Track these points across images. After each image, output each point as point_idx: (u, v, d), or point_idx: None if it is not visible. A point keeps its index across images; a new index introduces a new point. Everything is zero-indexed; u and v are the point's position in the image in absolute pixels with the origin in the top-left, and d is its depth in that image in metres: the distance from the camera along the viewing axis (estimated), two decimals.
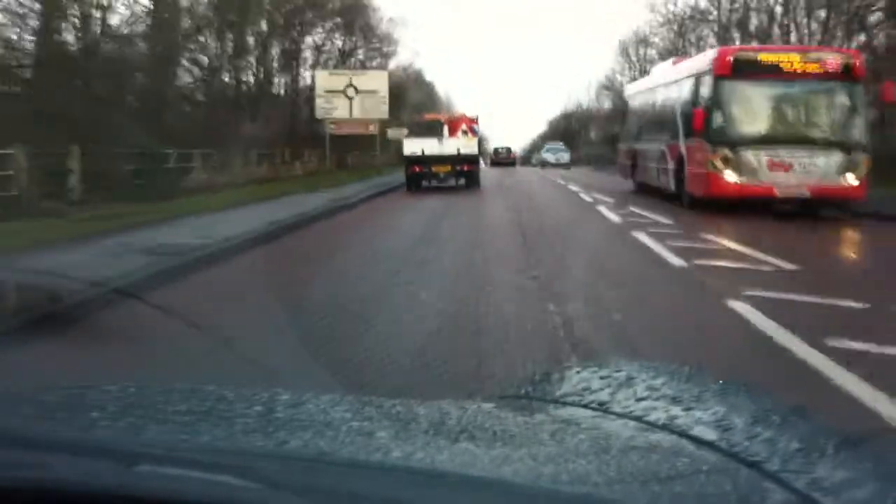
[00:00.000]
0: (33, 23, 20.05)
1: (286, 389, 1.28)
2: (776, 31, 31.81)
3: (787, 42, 29.03)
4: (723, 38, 33.79)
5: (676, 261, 8.28)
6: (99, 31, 22.43)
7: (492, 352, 4.70)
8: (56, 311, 5.34)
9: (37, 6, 19.90)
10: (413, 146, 21.95)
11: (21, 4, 19.57)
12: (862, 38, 26.18)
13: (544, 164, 49.31)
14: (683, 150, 15.01)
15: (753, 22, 33.71)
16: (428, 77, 62.71)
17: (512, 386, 1.66)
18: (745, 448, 1.04)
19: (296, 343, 4.47)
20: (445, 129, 22.62)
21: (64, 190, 15.24)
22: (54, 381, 2.08)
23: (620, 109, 54.73)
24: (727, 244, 9.83)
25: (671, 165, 15.86)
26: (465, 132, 22.54)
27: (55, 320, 5.18)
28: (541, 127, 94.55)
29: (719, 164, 13.27)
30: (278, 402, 1.22)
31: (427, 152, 21.57)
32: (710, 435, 1.10)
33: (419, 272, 7.96)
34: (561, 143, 55.89)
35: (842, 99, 13.47)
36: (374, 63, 43.28)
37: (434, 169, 21.67)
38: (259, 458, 0.93)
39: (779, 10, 31.99)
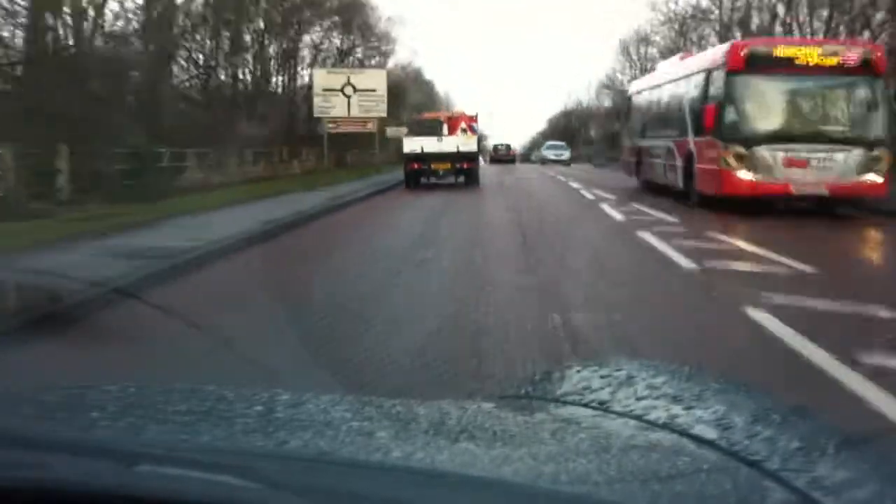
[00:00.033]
0: (23, 20, 19.75)
1: (286, 389, 1.28)
2: (778, 29, 31.79)
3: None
4: (724, 37, 33.77)
5: (686, 262, 7.96)
6: (90, 29, 22.20)
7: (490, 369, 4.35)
8: (56, 310, 5.33)
9: (24, 2, 19.59)
10: (412, 144, 22.11)
11: (11, 1, 19.30)
12: (866, 36, 26.13)
13: (544, 161, 49.59)
14: (693, 146, 14.70)
15: (755, 21, 33.68)
16: (427, 76, 62.85)
17: (512, 386, 1.66)
18: (746, 447, 1.04)
19: (292, 347, 4.31)
20: (445, 128, 22.72)
21: (52, 190, 14.99)
22: (54, 381, 2.08)
23: (621, 108, 54.81)
24: (739, 244, 9.52)
25: (679, 163, 15.52)
26: (464, 130, 22.63)
27: (55, 320, 5.18)
28: (541, 125, 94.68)
29: (732, 161, 12.89)
30: (278, 402, 1.22)
31: (426, 150, 21.71)
32: (710, 434, 1.10)
33: (414, 279, 7.57)
34: (562, 142, 56.28)
35: (861, 93, 13.06)
36: (373, 62, 43.30)
37: (433, 166, 21.81)
38: (259, 458, 0.93)
39: (781, 9, 31.94)
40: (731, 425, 1.14)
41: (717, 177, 13.21)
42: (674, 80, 17.15)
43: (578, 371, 1.47)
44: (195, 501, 0.83)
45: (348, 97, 31.19)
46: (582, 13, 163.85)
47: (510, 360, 4.52)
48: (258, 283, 7.18)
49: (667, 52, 39.81)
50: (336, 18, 40.72)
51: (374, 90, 31.65)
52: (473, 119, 23.61)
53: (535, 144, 76.53)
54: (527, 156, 67.39)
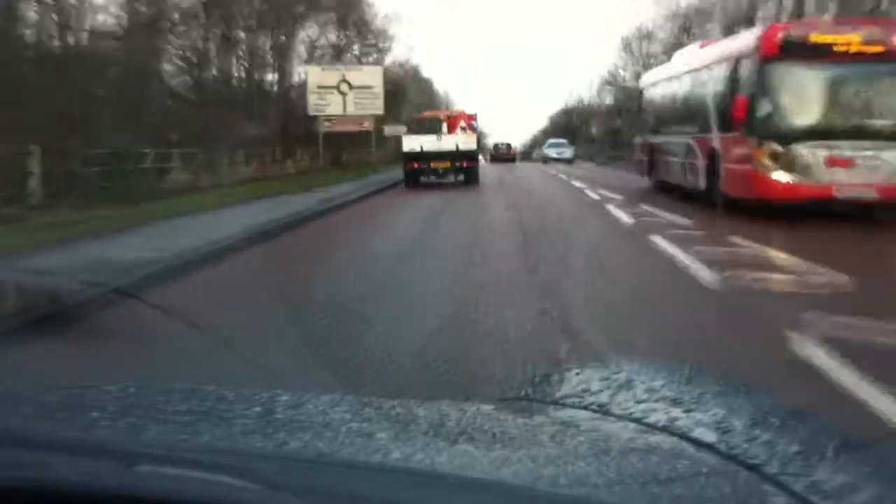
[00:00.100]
0: None
1: (286, 390, 1.28)
2: None
3: None
4: (729, 33, 33.74)
5: (706, 274, 6.98)
6: (66, 22, 21.50)
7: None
8: (56, 311, 5.33)
9: None
10: (412, 143, 22.19)
11: None
12: None
13: (546, 159, 48.57)
14: (718, 144, 13.18)
15: (760, 16, 33.59)
16: (426, 74, 62.82)
17: (511, 388, 1.65)
18: (745, 450, 1.04)
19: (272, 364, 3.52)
20: (444, 126, 22.75)
21: (24, 194, 14.07)
22: (54, 381, 2.08)
23: (623, 104, 54.41)
24: (771, 252, 8.49)
25: (701, 162, 14.04)
26: (463, 129, 22.68)
27: (55, 320, 5.18)
28: (541, 123, 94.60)
29: (767, 161, 11.41)
30: (278, 403, 1.23)
31: (426, 148, 21.79)
32: (709, 437, 1.10)
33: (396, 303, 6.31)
34: (564, 140, 55.06)
35: None
36: (370, 59, 43.13)
37: (433, 165, 21.89)
38: (259, 458, 0.93)
39: (789, 3, 31.71)
40: (730, 428, 1.15)
41: (749, 178, 11.75)
42: (694, 71, 15.60)
43: (578, 373, 1.47)
44: (195, 501, 0.83)
45: (344, 95, 30.39)
46: (582, 11, 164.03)
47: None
48: (217, 311, 5.67)
49: (669, 49, 39.77)
50: (332, 14, 40.54)
51: (370, 87, 30.89)
52: (473, 118, 23.67)
53: (536, 142, 76.46)
54: (528, 154, 67.29)
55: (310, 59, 38.02)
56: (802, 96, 11.64)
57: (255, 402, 1.23)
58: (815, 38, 11.66)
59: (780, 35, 11.80)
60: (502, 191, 20.50)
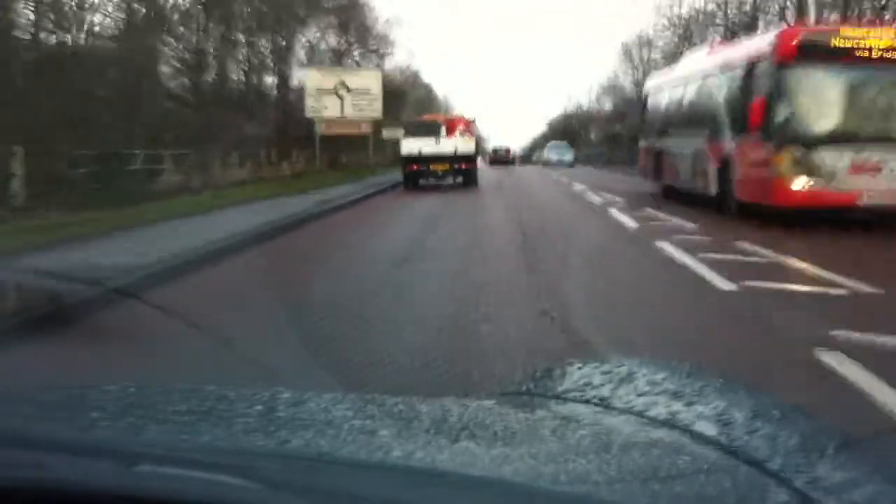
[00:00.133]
0: None
1: (287, 388, 1.28)
2: None
3: None
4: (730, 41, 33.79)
5: (722, 283, 6.64)
6: (56, 20, 21.23)
7: None
8: (56, 311, 5.33)
9: None
10: (411, 146, 22.41)
11: None
12: None
13: (547, 162, 48.10)
14: (731, 149, 12.73)
15: (761, 25, 33.64)
16: (426, 79, 62.98)
17: (513, 383, 1.65)
18: (746, 445, 1.04)
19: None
20: (443, 130, 22.83)
21: (7, 196, 13.69)
22: (54, 381, 2.08)
23: (622, 111, 54.22)
24: (787, 261, 7.99)
25: (712, 167, 13.58)
26: (462, 133, 22.78)
27: (55, 320, 5.17)
28: (540, 127, 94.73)
29: (786, 166, 10.91)
30: (279, 402, 1.23)
31: (425, 152, 22.03)
32: (710, 431, 1.10)
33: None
34: (564, 142, 54.53)
35: None
36: (370, 64, 43.11)
37: (432, 167, 22.16)
38: (260, 457, 0.93)
39: (790, 14, 31.76)
40: (731, 423, 1.15)
41: (766, 184, 11.23)
42: (704, 74, 15.18)
43: (579, 368, 1.47)
44: (195, 501, 0.83)
45: (341, 98, 30.24)
46: (582, 17, 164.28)
47: None
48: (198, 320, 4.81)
49: (670, 56, 39.81)
50: (332, 18, 40.51)
51: (368, 90, 30.70)
52: (472, 122, 23.81)
53: (536, 146, 76.58)
54: (527, 158, 67.41)
55: (310, 63, 37.94)
56: (823, 99, 11.20)
57: (256, 401, 1.23)
58: (833, 41, 11.33)
59: (795, 39, 11.48)
60: (502, 195, 20.23)
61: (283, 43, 37.47)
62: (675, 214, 12.72)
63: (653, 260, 8.36)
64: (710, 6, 37.60)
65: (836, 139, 10.89)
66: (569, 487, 0.89)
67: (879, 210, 10.90)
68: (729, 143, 12.92)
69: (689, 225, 11.32)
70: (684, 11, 40.58)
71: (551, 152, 50.58)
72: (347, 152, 37.14)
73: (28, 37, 20.26)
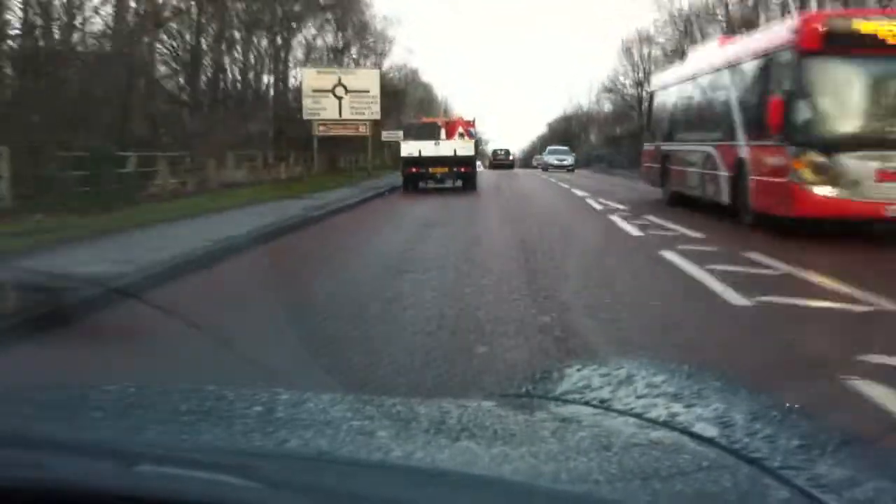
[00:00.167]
0: None
1: (286, 389, 1.28)
2: None
3: None
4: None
5: (735, 297, 6.21)
6: (47, 21, 20.76)
7: None
8: (56, 310, 5.33)
9: None
10: (410, 148, 22.56)
11: None
12: None
13: (547, 167, 47.70)
14: (745, 153, 11.73)
15: (763, 20, 33.59)
16: (425, 78, 62.97)
17: (512, 385, 1.65)
18: (746, 445, 1.04)
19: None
20: (442, 132, 22.87)
21: None
22: (54, 381, 2.08)
23: (623, 112, 54.01)
24: (803, 274, 7.40)
25: (724, 172, 12.61)
26: (461, 135, 22.84)
27: (55, 320, 5.17)
28: (540, 129, 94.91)
29: (807, 173, 9.88)
30: (278, 402, 1.23)
31: (424, 154, 22.17)
32: (710, 431, 1.10)
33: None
34: (565, 147, 54.13)
35: None
36: (369, 62, 43.08)
37: (431, 170, 22.29)
38: (259, 457, 0.93)
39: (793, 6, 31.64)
40: (731, 423, 1.15)
41: (786, 192, 10.16)
42: (714, 71, 13.92)
43: (579, 369, 1.48)
44: (195, 501, 0.83)
45: (339, 98, 29.52)
46: (581, 14, 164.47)
47: None
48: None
49: (670, 53, 39.82)
50: (329, 15, 40.40)
51: (366, 91, 29.99)
52: (471, 124, 23.81)
53: (536, 149, 76.63)
54: (527, 161, 67.44)
55: (306, 62, 37.75)
56: (850, 97, 10.13)
57: (256, 402, 1.23)
58: (862, 28, 9.99)
59: (820, 26, 10.13)
60: (502, 206, 18.64)
61: (280, 41, 37.28)
62: (680, 223, 11.94)
63: (660, 272, 7.83)
64: (712, 0, 37.57)
65: (861, 143, 9.85)
66: (569, 486, 0.89)
67: None
68: (742, 147, 11.94)
69: (697, 235, 10.67)
70: (685, 6, 40.56)
71: (551, 156, 50.17)
72: (346, 154, 36.99)
73: (16, 31, 19.93)
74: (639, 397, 1.26)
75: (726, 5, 36.94)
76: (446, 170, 22.17)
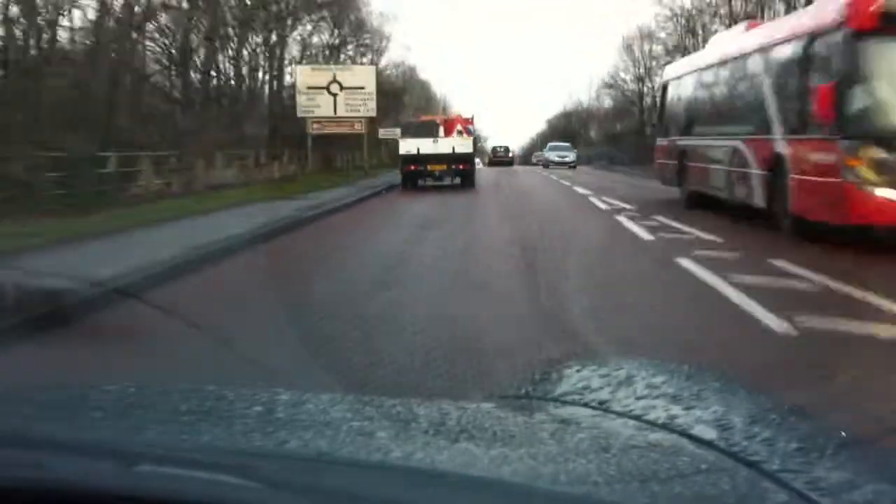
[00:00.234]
0: None
1: (286, 389, 1.28)
2: None
3: None
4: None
5: (776, 323, 5.23)
6: (30, 20, 20.33)
7: None
8: (56, 310, 5.33)
9: None
10: (408, 146, 22.59)
11: None
12: None
13: (547, 163, 46.88)
14: (785, 148, 10.23)
15: (767, 15, 33.51)
16: (423, 75, 62.90)
17: (512, 386, 1.64)
18: (745, 447, 1.05)
19: None
20: (441, 130, 22.88)
21: None
22: (54, 381, 2.08)
23: (624, 108, 53.66)
24: (853, 292, 6.23)
25: (756, 170, 11.17)
26: (460, 132, 22.85)
27: (55, 320, 5.17)
28: (540, 126, 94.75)
29: (866, 171, 8.43)
30: (278, 402, 1.23)
31: (423, 151, 22.23)
32: (709, 434, 1.10)
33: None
34: (566, 143, 53.08)
35: None
36: (365, 59, 42.94)
37: (430, 167, 22.35)
38: (259, 457, 0.94)
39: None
40: (730, 425, 1.15)
41: (838, 194, 8.68)
42: (741, 57, 12.46)
43: (578, 371, 1.48)
44: (195, 501, 0.84)
45: (334, 95, 28.92)
46: (580, 10, 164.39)
47: None
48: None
49: (672, 50, 39.73)
50: (325, 13, 40.18)
51: (362, 88, 29.44)
52: (469, 121, 23.79)
53: (535, 146, 76.57)
54: (527, 158, 67.40)
55: (302, 59, 37.40)
56: None
57: (256, 402, 1.23)
58: None
59: (874, 5, 8.71)
60: (502, 206, 18.06)
61: (274, 38, 36.97)
62: (694, 226, 10.95)
63: (685, 289, 6.83)
64: None
65: None
66: (568, 488, 0.89)
67: None
68: (780, 141, 10.47)
69: (717, 239, 9.69)
70: (686, 2, 40.35)
71: (552, 153, 49.13)
72: (341, 152, 36.37)
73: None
74: (638, 399, 1.26)
75: (729, 2, 36.87)
76: (445, 167, 22.23)
